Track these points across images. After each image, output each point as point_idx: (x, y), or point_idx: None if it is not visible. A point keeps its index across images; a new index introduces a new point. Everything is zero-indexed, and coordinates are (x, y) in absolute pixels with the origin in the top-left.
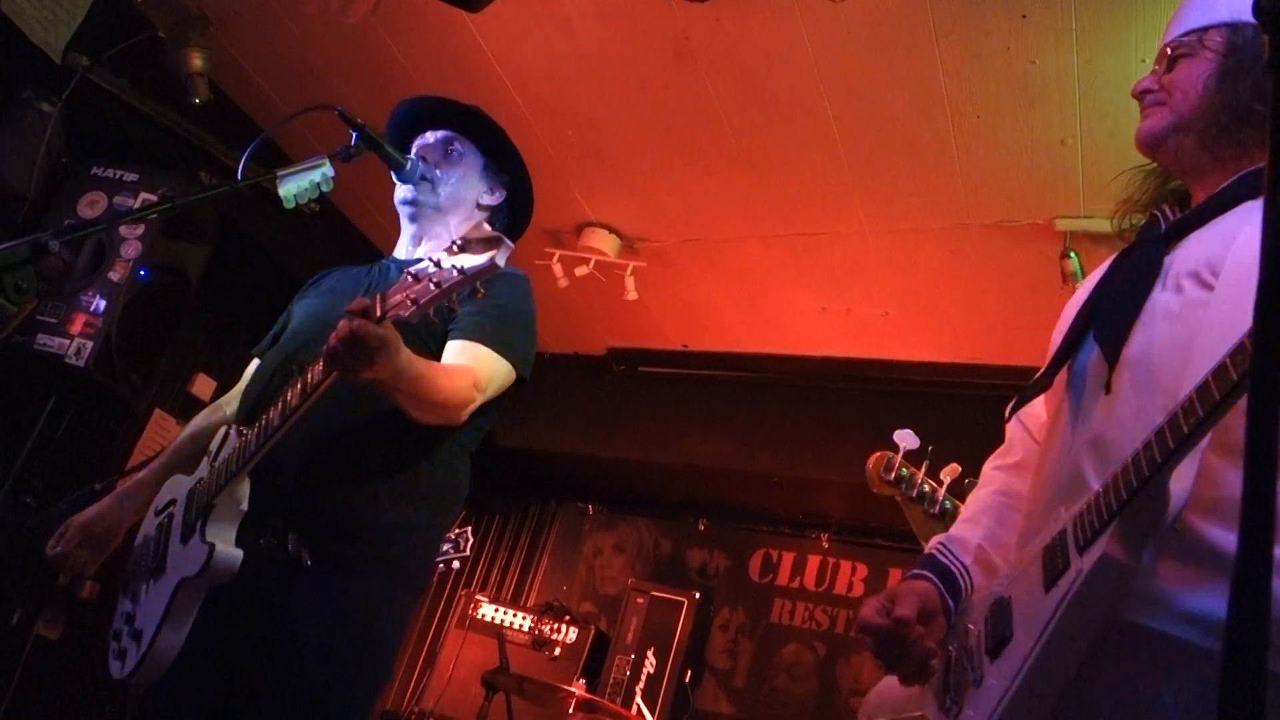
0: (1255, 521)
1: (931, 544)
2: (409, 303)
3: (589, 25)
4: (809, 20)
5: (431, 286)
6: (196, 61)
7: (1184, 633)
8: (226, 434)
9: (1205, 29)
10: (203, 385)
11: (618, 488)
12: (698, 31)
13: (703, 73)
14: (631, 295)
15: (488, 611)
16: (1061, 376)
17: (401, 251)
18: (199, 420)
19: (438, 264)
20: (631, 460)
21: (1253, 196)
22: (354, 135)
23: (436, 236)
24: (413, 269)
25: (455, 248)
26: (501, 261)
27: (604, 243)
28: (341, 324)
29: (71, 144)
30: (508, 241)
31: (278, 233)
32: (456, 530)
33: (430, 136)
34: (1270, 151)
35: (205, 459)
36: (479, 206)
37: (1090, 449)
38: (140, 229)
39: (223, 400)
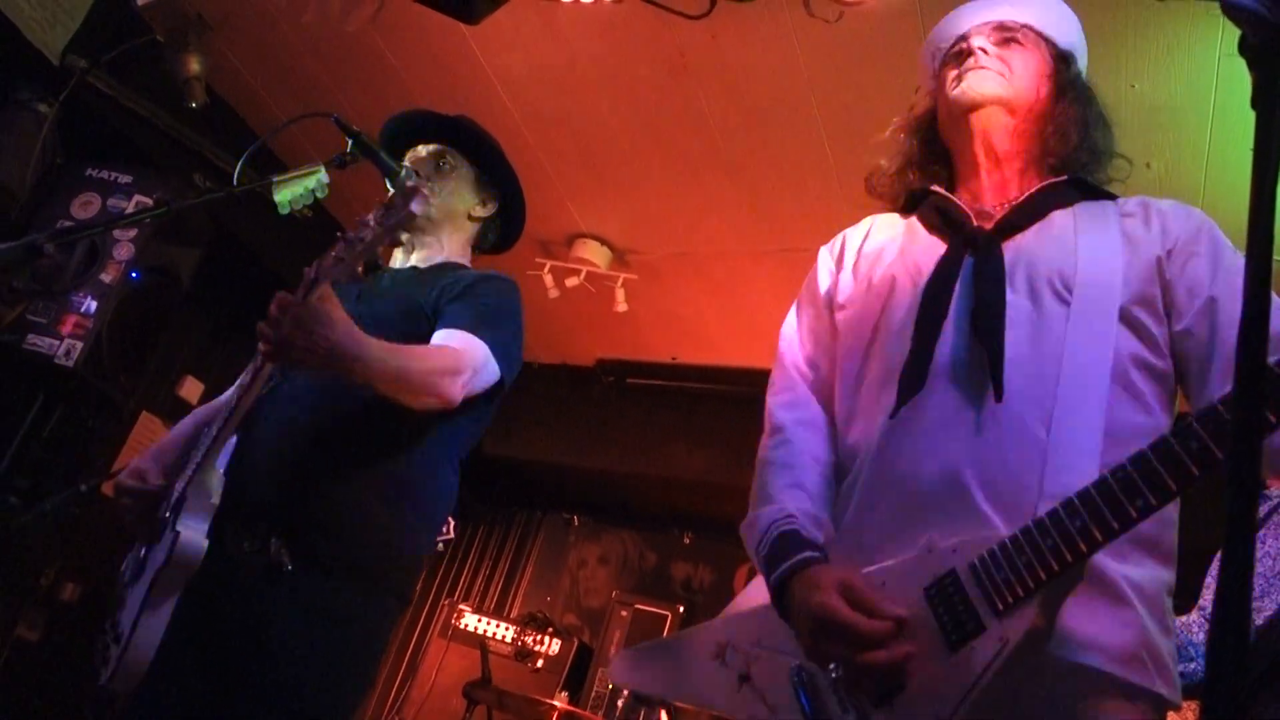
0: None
1: (779, 519)
2: (340, 262)
3: (585, 38)
4: (803, 37)
5: (358, 246)
6: (194, 66)
7: (1089, 659)
8: (206, 430)
9: (1043, 34)
10: (191, 388)
11: (603, 499)
12: (693, 47)
13: (697, 87)
14: (621, 307)
15: (471, 621)
16: (888, 351)
17: (395, 261)
18: (195, 418)
19: (365, 223)
20: (618, 472)
21: (1058, 206)
22: (349, 142)
23: (428, 247)
24: (345, 233)
25: (382, 208)
26: (418, 210)
27: (595, 254)
28: (272, 303)
29: (66, 144)
30: (423, 191)
31: (269, 236)
32: None
33: (422, 149)
34: (1252, 197)
35: (190, 457)
36: (471, 218)
37: (974, 464)
38: (133, 231)
39: (217, 402)
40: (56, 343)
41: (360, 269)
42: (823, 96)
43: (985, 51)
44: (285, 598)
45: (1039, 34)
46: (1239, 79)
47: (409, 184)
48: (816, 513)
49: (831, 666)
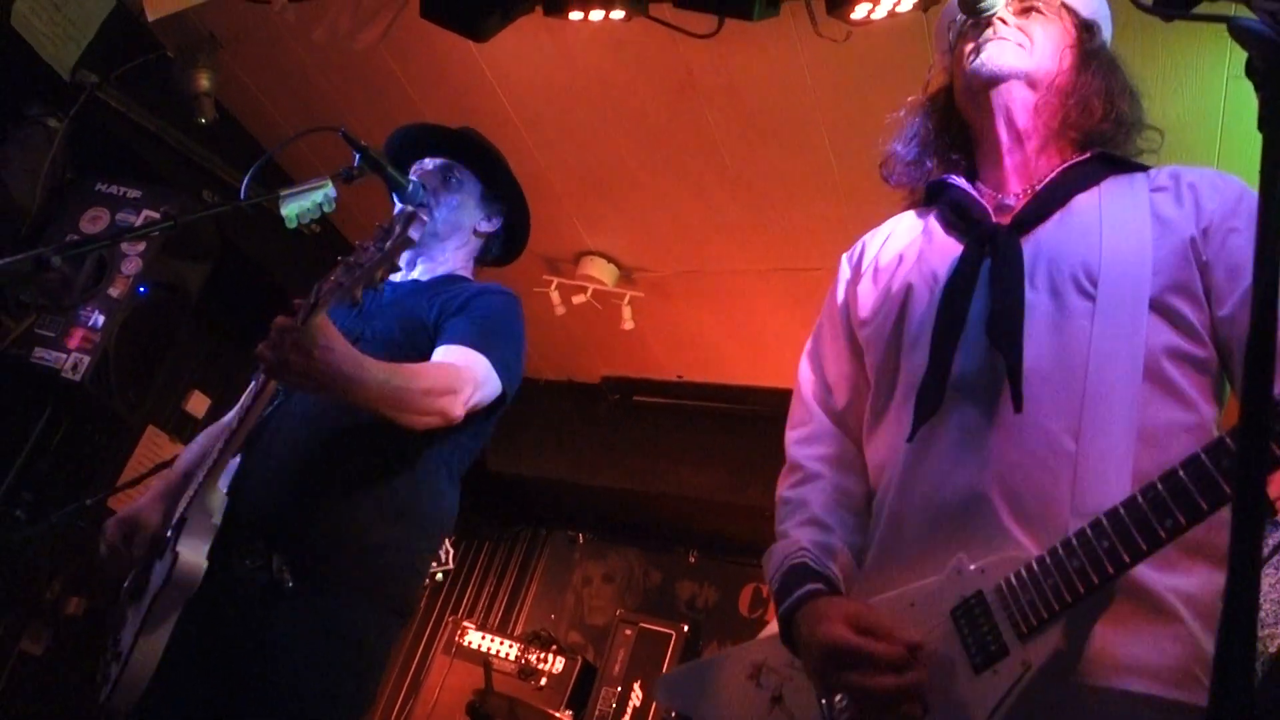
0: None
1: (791, 552)
2: (335, 285)
3: (593, 56)
4: (810, 56)
5: (357, 270)
6: (204, 82)
7: (1129, 684)
8: (209, 451)
9: (1065, 2)
10: (198, 402)
11: (609, 517)
12: (700, 65)
13: (704, 106)
14: (628, 325)
15: (474, 639)
16: (908, 366)
17: (397, 275)
18: (208, 439)
19: (364, 248)
20: (623, 489)
21: (1081, 189)
22: (357, 157)
23: (432, 260)
24: (345, 256)
25: (380, 232)
26: (415, 236)
27: (602, 272)
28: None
29: (76, 159)
30: (422, 216)
31: (277, 252)
32: None
33: (429, 163)
34: (1260, 218)
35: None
36: (475, 233)
37: (999, 481)
38: (141, 246)
39: (225, 422)
40: (63, 356)
41: (359, 293)
42: (830, 115)
43: (1004, 22)
44: (286, 614)
45: (1060, 2)
46: (1246, 100)
47: (408, 209)
48: (831, 543)
49: (838, 699)
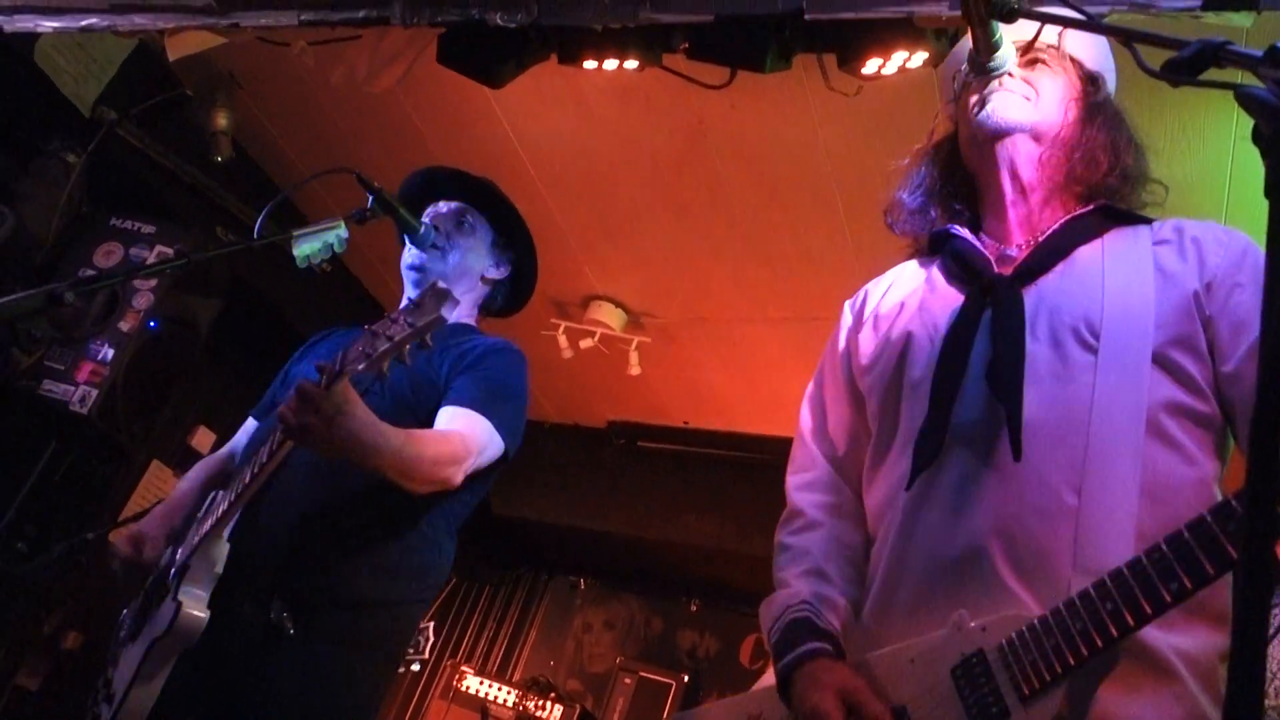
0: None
1: (793, 604)
2: (362, 356)
3: (607, 104)
4: (821, 110)
5: (385, 343)
6: (221, 121)
7: None
8: (212, 499)
9: (1070, 54)
10: (203, 438)
11: (611, 563)
12: (712, 115)
13: (715, 156)
14: (635, 370)
15: (472, 683)
16: (908, 415)
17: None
18: (198, 476)
19: (394, 320)
20: (626, 535)
21: (1084, 241)
22: (370, 199)
23: None
24: (372, 325)
25: (410, 304)
26: (449, 316)
27: (610, 316)
28: (294, 389)
29: (92, 194)
30: (455, 296)
31: (287, 290)
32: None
33: (444, 206)
34: (1266, 284)
35: (195, 524)
36: (484, 279)
37: (998, 532)
38: (153, 281)
39: (222, 456)
40: (72, 389)
41: (386, 367)
42: (839, 167)
43: (1010, 74)
44: (283, 660)
45: (1065, 54)
46: (1254, 162)
47: (440, 284)
48: (832, 596)
49: None
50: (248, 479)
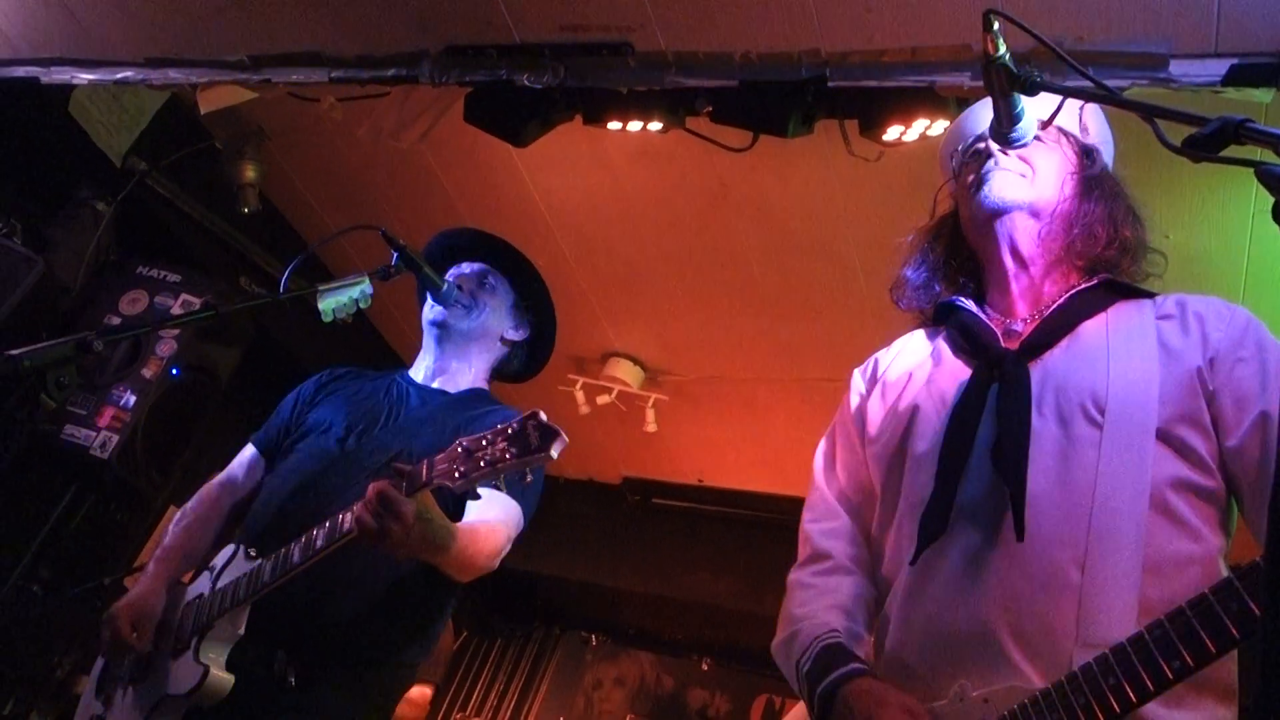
0: None
1: (823, 633)
2: (457, 475)
3: (629, 165)
4: (842, 175)
5: (482, 464)
6: (249, 173)
7: None
8: (235, 553)
9: (1064, 129)
10: None
11: (623, 619)
12: (734, 178)
13: (735, 217)
14: (651, 427)
15: None
16: (913, 488)
17: (419, 374)
18: (204, 508)
19: (490, 442)
20: (639, 592)
21: (1089, 315)
22: (395, 255)
23: (452, 368)
24: (464, 441)
25: (513, 430)
26: (556, 454)
27: (628, 373)
28: (373, 489)
29: (120, 242)
30: (563, 436)
31: (307, 340)
32: None
33: (467, 267)
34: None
35: (207, 574)
36: (502, 340)
37: (1003, 610)
38: (176, 329)
39: (221, 490)
40: (93, 434)
41: (475, 487)
42: (859, 232)
43: (1005, 153)
44: (284, 710)
45: (1060, 130)
46: (1273, 237)
47: (544, 419)
48: (863, 637)
49: None
50: (296, 559)
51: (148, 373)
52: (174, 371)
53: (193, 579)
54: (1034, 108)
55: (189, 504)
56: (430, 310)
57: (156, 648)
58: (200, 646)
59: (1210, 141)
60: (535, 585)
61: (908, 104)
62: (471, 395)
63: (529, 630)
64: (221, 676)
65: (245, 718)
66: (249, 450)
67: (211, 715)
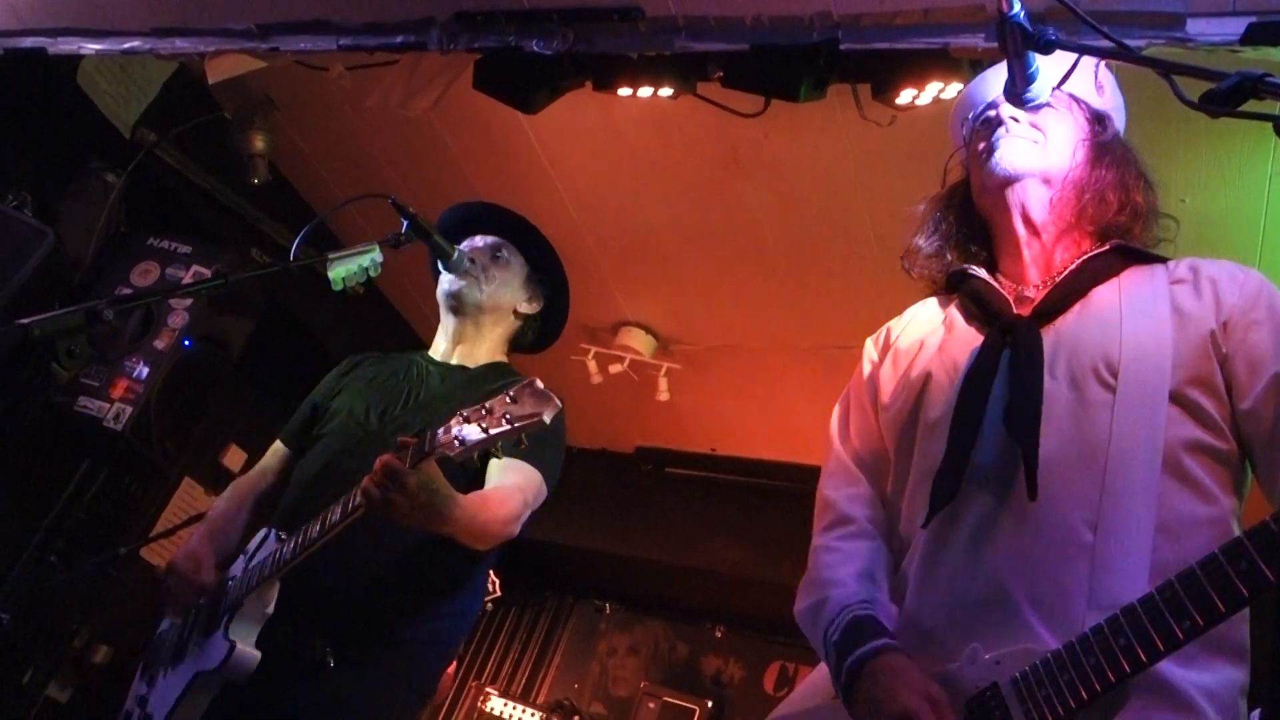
0: None
1: (853, 603)
2: (456, 444)
3: (641, 132)
4: (854, 139)
5: (479, 431)
6: (259, 144)
7: None
8: (266, 536)
9: (1076, 96)
10: (234, 456)
11: (637, 588)
12: (745, 144)
13: (747, 185)
14: (664, 396)
15: (497, 705)
16: (926, 453)
17: (437, 351)
18: (237, 496)
19: (489, 410)
20: (652, 561)
21: (1101, 280)
22: (405, 223)
23: (469, 340)
24: (464, 410)
25: (508, 398)
26: (549, 419)
27: (640, 342)
28: (379, 462)
29: (131, 214)
30: (556, 401)
31: (319, 311)
32: None
33: (480, 240)
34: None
35: (241, 557)
36: (515, 313)
37: (1017, 572)
38: (188, 300)
39: (254, 479)
40: (106, 406)
41: (476, 457)
42: (872, 197)
43: (1016, 120)
44: (322, 691)
45: (1071, 96)
46: None
47: (542, 388)
48: (889, 608)
49: None
50: (315, 534)
51: (160, 344)
52: (186, 343)
53: (230, 563)
54: (1049, 69)
55: (225, 493)
56: (444, 282)
57: (192, 627)
58: (230, 624)
59: (1228, 96)
60: (550, 555)
61: (921, 66)
62: (490, 369)
63: (543, 599)
64: (248, 652)
65: (281, 699)
66: (277, 445)
67: (253, 695)
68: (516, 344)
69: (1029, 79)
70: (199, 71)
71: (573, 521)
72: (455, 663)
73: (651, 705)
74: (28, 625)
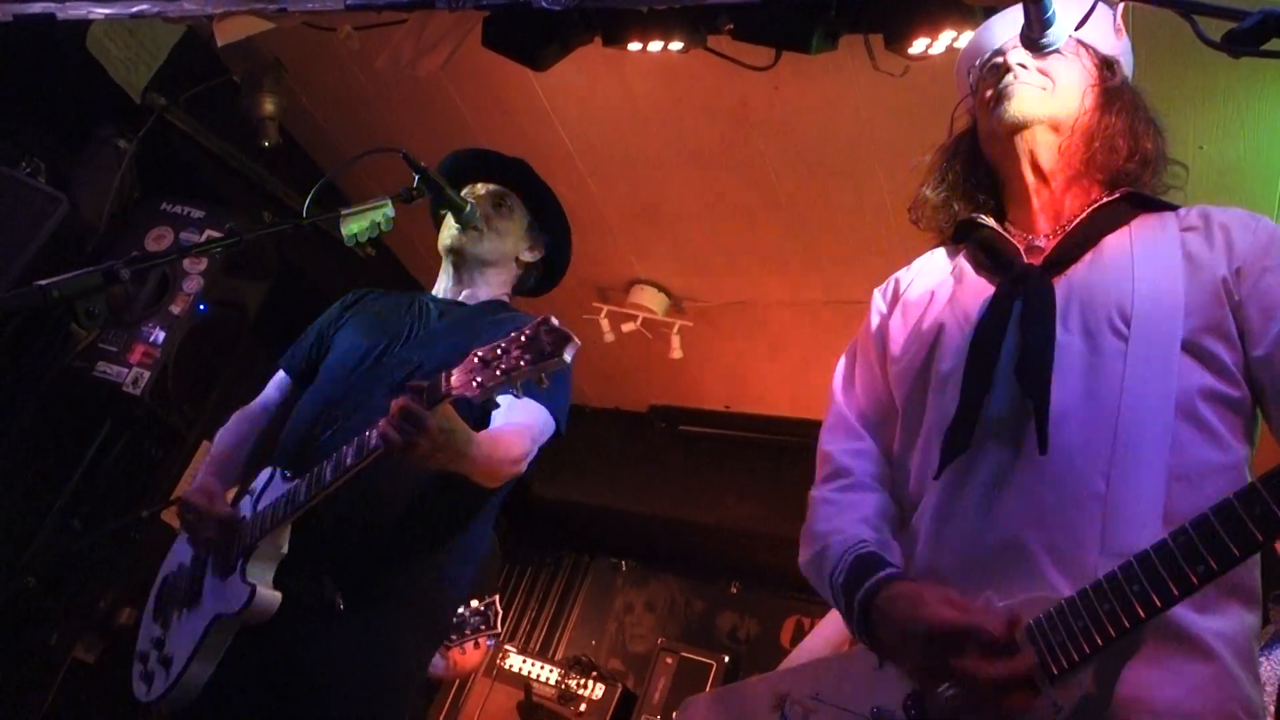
0: None
1: (853, 545)
2: (474, 385)
3: (650, 87)
4: (866, 91)
5: (498, 373)
6: (268, 107)
7: None
8: (272, 476)
9: (1084, 41)
10: None
11: (652, 545)
12: (756, 98)
13: (758, 139)
14: (677, 354)
15: (515, 662)
16: (938, 405)
17: (440, 290)
18: (241, 430)
19: (505, 350)
20: (667, 518)
21: (1112, 229)
22: (416, 178)
23: (474, 284)
24: (479, 351)
25: (525, 337)
26: (569, 358)
27: (652, 300)
28: (395, 405)
29: (143, 179)
30: (575, 340)
31: (333, 273)
32: (485, 601)
33: (481, 188)
34: None
35: (247, 497)
36: (518, 261)
37: (1031, 522)
38: (203, 264)
39: (257, 412)
40: (124, 371)
41: (495, 395)
42: (885, 149)
43: (1024, 66)
44: (335, 634)
45: (1079, 42)
46: None
47: (558, 325)
48: (891, 543)
49: (945, 687)
50: (328, 477)
51: (176, 309)
52: (202, 307)
53: (235, 501)
54: (1065, 13)
55: (224, 427)
56: (446, 235)
57: (204, 568)
58: (246, 567)
59: (1251, 35)
60: (565, 513)
61: (934, 15)
62: (490, 304)
63: (559, 557)
64: (269, 594)
65: (295, 643)
66: (279, 375)
67: (264, 638)
68: (519, 289)
69: (1046, 23)
70: (207, 34)
71: (588, 480)
72: (488, 638)
73: (668, 661)
74: (53, 589)
